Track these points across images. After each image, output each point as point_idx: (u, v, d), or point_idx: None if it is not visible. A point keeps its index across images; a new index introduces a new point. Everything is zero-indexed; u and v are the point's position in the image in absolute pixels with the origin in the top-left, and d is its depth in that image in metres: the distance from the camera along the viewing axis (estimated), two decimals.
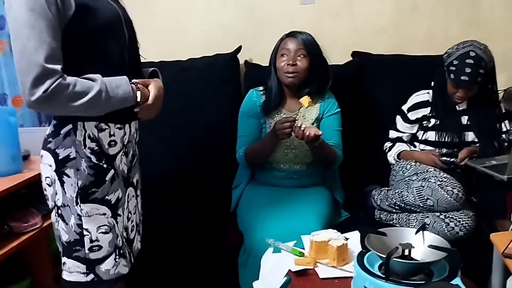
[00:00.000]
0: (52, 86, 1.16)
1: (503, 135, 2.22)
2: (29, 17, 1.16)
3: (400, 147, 2.30)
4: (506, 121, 2.23)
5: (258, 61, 2.66)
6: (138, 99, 1.33)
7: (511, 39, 2.69)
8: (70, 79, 1.20)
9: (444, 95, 2.19)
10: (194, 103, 2.59)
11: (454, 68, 2.09)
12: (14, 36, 1.18)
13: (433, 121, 2.22)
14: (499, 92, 2.28)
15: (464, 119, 2.21)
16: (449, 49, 2.17)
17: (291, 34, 2.16)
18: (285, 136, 1.96)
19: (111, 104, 1.27)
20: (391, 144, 2.34)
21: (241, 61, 2.70)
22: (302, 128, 1.90)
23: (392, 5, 2.71)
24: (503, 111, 2.25)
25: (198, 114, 2.59)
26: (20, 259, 2.03)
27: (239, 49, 2.67)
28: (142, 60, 1.52)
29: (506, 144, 2.19)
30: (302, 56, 2.10)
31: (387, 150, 2.35)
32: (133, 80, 1.34)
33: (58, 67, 1.18)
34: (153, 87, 1.39)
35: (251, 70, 2.65)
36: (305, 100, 1.95)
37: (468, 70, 2.05)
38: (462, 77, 2.06)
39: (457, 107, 2.21)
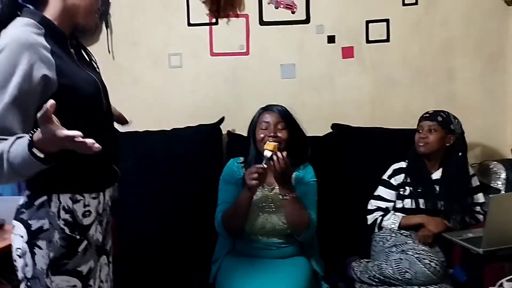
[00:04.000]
0: None
1: (478, 207, 2.25)
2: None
3: (398, 215, 2.27)
4: (481, 194, 2.27)
5: (240, 131, 2.72)
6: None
7: (485, 114, 2.81)
8: None
9: (418, 163, 2.26)
10: (176, 172, 2.61)
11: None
12: None
13: (408, 189, 2.26)
14: (473, 165, 2.34)
15: (438, 188, 2.24)
16: None
17: (269, 108, 2.22)
18: (254, 182, 1.96)
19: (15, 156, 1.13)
20: (382, 213, 2.29)
21: (224, 131, 2.76)
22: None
23: (371, 80, 2.83)
24: (478, 183, 2.30)
25: (181, 183, 2.60)
26: None
27: (222, 120, 2.74)
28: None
29: (481, 216, 2.22)
30: (281, 128, 2.16)
31: (378, 221, 2.28)
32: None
33: None
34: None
35: (233, 140, 2.70)
36: (270, 145, 1.98)
37: (429, 111, 2.29)
38: (424, 115, 2.27)
39: (431, 176, 2.26)
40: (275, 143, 2.00)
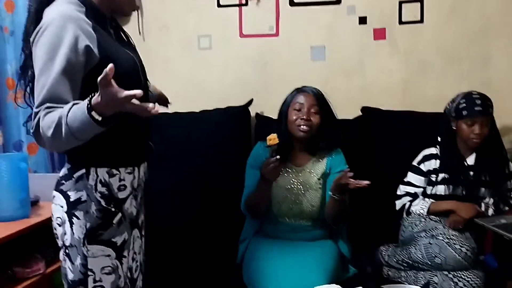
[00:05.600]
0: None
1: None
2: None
3: (427, 201, 2.23)
4: None
5: (269, 114, 2.71)
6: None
7: None
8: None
9: (452, 148, 2.21)
10: (204, 154, 2.63)
11: (464, 105, 2.15)
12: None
13: (441, 175, 2.21)
14: (509, 151, 2.28)
15: (472, 174, 2.20)
16: (447, 103, 2.26)
17: (304, 89, 2.19)
18: (271, 174, 1.93)
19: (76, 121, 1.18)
20: (411, 198, 2.27)
21: (252, 114, 2.76)
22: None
23: (403, 63, 2.77)
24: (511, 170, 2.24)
25: (209, 165, 2.62)
26: None
27: (250, 102, 2.73)
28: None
29: None
30: (314, 111, 2.13)
31: (407, 206, 2.26)
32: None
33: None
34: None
35: (262, 123, 2.70)
36: (274, 138, 1.92)
37: (478, 102, 2.14)
38: (476, 108, 2.12)
39: (465, 162, 2.21)
40: (275, 134, 1.95)
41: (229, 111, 2.72)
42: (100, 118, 1.15)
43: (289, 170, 2.17)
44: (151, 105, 1.14)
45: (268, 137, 1.94)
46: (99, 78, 1.10)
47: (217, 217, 2.53)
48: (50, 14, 1.29)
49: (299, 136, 2.13)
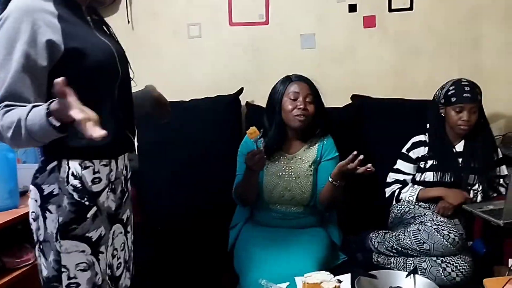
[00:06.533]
0: None
1: (501, 180, 2.21)
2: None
3: (416, 188, 2.26)
4: (504, 166, 2.24)
5: (259, 102, 2.70)
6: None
7: (511, 84, 2.71)
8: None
9: (440, 135, 2.22)
10: (195, 143, 2.62)
11: (453, 91, 2.17)
12: None
13: (430, 162, 2.23)
14: (497, 137, 2.29)
15: (461, 161, 2.21)
16: (437, 90, 2.27)
17: (298, 78, 2.18)
18: (257, 165, 1.95)
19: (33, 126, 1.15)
20: (400, 185, 2.29)
21: (243, 102, 2.75)
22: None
23: (394, 51, 2.77)
24: (500, 155, 2.25)
25: (199, 154, 2.61)
26: None
27: (241, 90, 2.73)
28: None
29: (503, 189, 2.18)
30: (309, 101, 2.13)
31: (396, 194, 2.29)
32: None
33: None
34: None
35: (252, 111, 2.69)
36: (254, 132, 1.93)
37: (467, 89, 2.15)
38: (464, 95, 2.13)
39: (453, 149, 2.22)
40: (255, 127, 1.96)
41: (219, 100, 2.71)
42: (58, 124, 1.10)
43: (281, 158, 2.18)
44: (94, 133, 1.05)
45: (248, 131, 1.95)
46: (53, 89, 1.06)
47: (208, 206, 2.53)
48: (11, 4, 1.24)
49: (296, 126, 2.13)
